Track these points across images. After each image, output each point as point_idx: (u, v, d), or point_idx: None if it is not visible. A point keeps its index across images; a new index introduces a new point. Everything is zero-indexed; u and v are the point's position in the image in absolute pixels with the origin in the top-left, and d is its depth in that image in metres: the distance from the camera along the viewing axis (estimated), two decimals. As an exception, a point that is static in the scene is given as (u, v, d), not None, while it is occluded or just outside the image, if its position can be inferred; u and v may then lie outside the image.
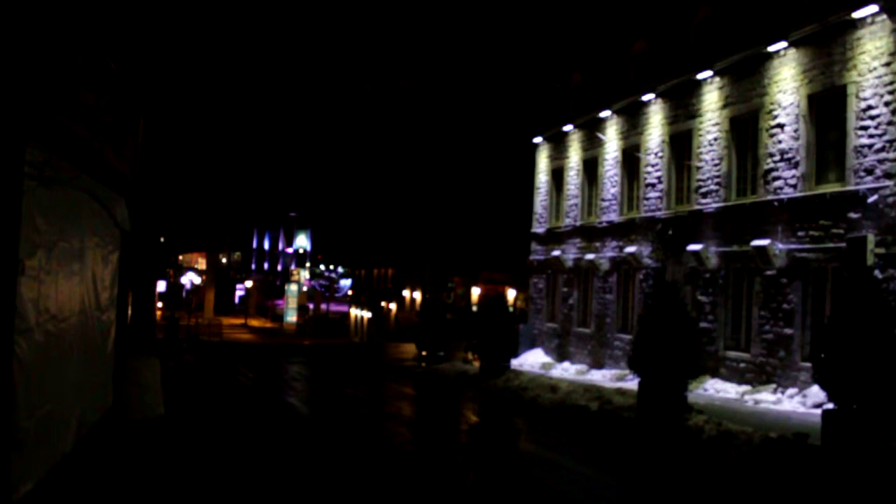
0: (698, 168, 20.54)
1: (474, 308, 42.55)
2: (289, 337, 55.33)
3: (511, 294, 41.78)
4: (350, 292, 69.52)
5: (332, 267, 70.59)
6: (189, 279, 73.78)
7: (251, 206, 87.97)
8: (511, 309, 32.35)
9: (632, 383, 16.10)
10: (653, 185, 22.58)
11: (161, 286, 46.53)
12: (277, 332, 60.49)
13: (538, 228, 29.81)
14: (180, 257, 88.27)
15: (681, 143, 21.79)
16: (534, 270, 29.80)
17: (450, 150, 47.84)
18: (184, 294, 67.31)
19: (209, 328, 45.51)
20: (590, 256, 25.37)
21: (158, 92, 14.46)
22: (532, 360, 26.88)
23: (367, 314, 60.04)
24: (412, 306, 49.20)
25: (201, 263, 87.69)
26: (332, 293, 68.67)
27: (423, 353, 27.09)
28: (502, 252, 42.41)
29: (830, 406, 10.37)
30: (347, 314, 65.96)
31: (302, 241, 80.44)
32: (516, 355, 22.67)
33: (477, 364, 21.23)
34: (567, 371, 24.34)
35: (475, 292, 44.25)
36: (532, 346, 28.61)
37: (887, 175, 14.88)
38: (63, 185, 7.68)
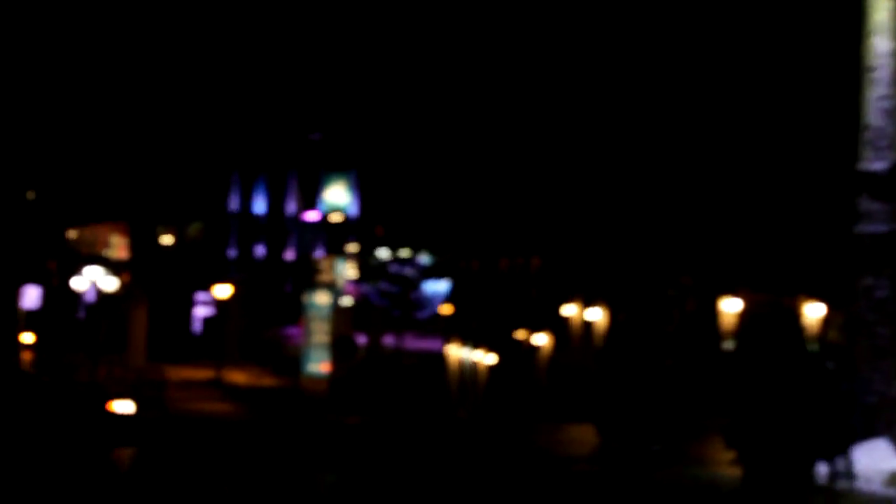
0: None
1: (727, 343, 43.42)
2: (313, 407, 56.46)
3: (812, 312, 42.45)
4: (445, 308, 70.44)
5: (404, 255, 71.30)
6: (91, 281, 75.21)
7: (226, 129, 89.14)
8: (814, 346, 32.70)
9: None
10: None
11: (32, 297, 48.06)
12: (288, 398, 61.73)
13: (874, 162, 30.31)
14: (72, 235, 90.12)
15: None
16: (867, 258, 30.32)
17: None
18: (81, 313, 68.55)
19: (139, 389, 46.69)
20: None
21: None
22: (869, 462, 26.74)
23: (485, 358, 61.21)
24: (587, 339, 50.70)
25: (118, 248, 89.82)
26: (408, 311, 70.04)
27: (614, 444, 27.91)
28: (782, 221, 44.67)
29: None
30: (441, 356, 67.45)
31: (338, 197, 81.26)
32: (842, 452, 22.99)
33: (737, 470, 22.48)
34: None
35: (729, 308, 45.15)
36: (868, 431, 27.97)
37: None
38: None
